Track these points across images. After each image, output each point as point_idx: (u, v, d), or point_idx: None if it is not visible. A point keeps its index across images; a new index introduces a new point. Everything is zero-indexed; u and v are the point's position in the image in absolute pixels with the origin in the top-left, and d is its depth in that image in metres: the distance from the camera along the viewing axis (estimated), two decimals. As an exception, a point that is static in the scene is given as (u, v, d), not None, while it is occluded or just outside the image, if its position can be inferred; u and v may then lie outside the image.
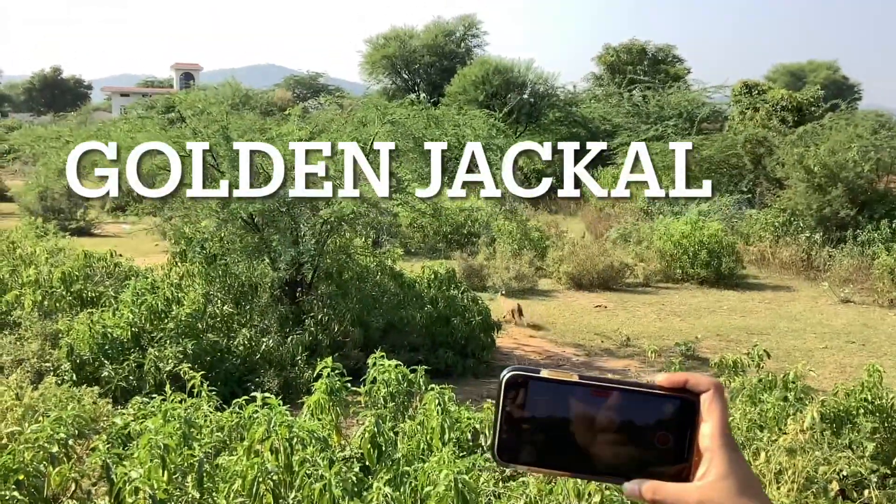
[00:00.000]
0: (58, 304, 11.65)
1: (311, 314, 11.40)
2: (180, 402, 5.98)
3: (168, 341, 10.09)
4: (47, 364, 9.96)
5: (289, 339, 10.88)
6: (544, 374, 1.06)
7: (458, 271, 14.82)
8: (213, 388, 6.97)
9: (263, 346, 10.66)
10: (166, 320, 10.48)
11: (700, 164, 28.34)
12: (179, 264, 12.53)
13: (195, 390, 6.67)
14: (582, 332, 14.76)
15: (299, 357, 10.65)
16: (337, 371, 6.73)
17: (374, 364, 7.01)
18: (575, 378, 1.05)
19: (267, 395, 5.83)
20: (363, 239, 14.47)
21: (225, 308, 11.36)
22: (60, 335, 10.46)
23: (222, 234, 12.06)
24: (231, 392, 9.33)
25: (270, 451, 5.10)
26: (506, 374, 1.06)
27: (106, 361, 9.85)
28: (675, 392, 1.04)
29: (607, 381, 1.05)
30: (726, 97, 40.56)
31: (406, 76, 53.93)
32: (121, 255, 13.90)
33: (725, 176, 28.59)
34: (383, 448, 5.50)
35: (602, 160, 35.94)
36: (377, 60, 53.11)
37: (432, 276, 13.54)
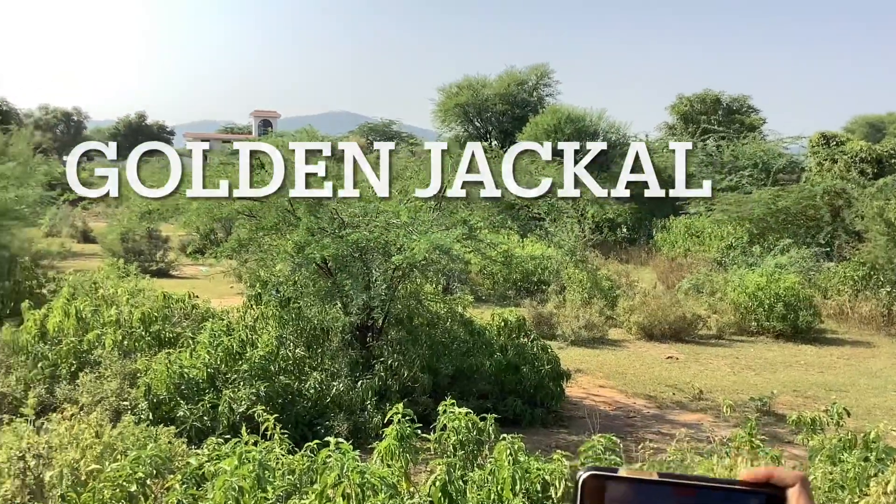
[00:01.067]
0: (137, 344, 11.95)
1: (381, 359, 11.47)
2: (254, 444, 6.07)
3: (242, 383, 10.27)
4: (125, 403, 10.20)
5: (359, 383, 10.96)
6: (622, 472, 1.02)
7: (527, 319, 14.76)
8: (284, 430, 7.05)
9: (334, 390, 10.75)
10: (241, 362, 10.66)
11: (776, 215, 27.83)
12: (254, 307, 12.78)
13: (269, 433, 6.76)
14: (653, 383, 14.52)
15: (369, 402, 10.71)
16: (407, 417, 6.75)
17: (445, 411, 7.01)
18: (655, 476, 1.03)
19: (340, 440, 5.88)
20: (434, 285, 14.55)
21: (297, 351, 11.52)
22: (139, 374, 10.73)
23: (296, 278, 12.27)
24: (301, 435, 9.43)
25: (342, 496, 5.14)
26: (582, 475, 1.03)
27: (182, 401, 10.06)
28: (758, 487, 1.01)
29: (688, 479, 1.03)
30: (803, 148, 39.86)
31: (478, 124, 54.36)
32: (197, 297, 14.22)
33: (802, 228, 27.99)
34: (454, 497, 5.49)
35: (674, 210, 35.64)
36: (450, 108, 53.67)
37: (502, 324, 13.53)
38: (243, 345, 11.01)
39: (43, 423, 7.00)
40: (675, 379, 14.84)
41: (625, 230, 37.57)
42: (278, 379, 10.68)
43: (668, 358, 16.73)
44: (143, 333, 12.19)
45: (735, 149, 39.58)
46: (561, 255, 22.54)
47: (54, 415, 6.58)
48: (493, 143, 50.18)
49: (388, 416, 6.83)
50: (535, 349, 12.74)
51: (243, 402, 9.85)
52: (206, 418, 9.87)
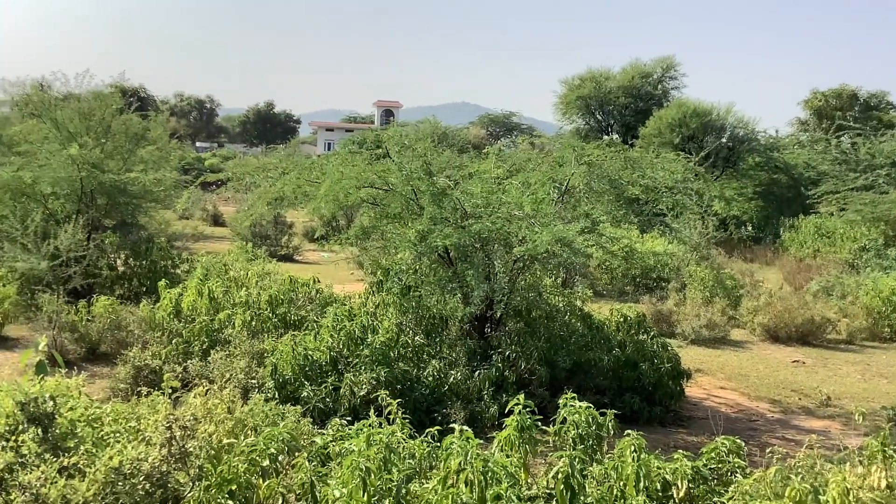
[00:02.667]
0: (264, 325, 12.39)
1: (499, 350, 11.52)
2: (378, 426, 6.22)
3: (363, 367, 10.50)
4: (253, 381, 10.59)
5: (476, 373, 11.05)
6: None
7: (646, 316, 14.53)
8: (404, 416, 7.19)
9: (451, 379, 10.87)
10: (362, 347, 10.91)
11: (914, 217, 26.48)
12: (375, 294, 13.04)
13: (391, 417, 6.91)
14: (777, 387, 14.07)
15: (486, 392, 10.78)
16: (527, 409, 6.77)
17: (565, 404, 6.99)
18: None
19: (465, 427, 5.95)
20: (553, 278, 14.50)
21: (416, 339, 11.69)
22: (266, 355, 11.13)
23: (417, 267, 12.44)
24: (418, 420, 9.57)
25: (465, 483, 5.21)
26: None
27: (306, 382, 10.38)
28: None
29: None
30: (947, 146, 37.71)
31: (600, 117, 53.68)
32: (320, 282, 14.61)
33: (944, 231, 26.54)
34: (576, 490, 5.49)
35: (804, 209, 34.33)
36: (572, 101, 53.18)
37: (621, 319, 13.37)
38: (365, 330, 11.25)
39: (178, 397, 7.37)
40: (800, 384, 14.34)
41: (750, 228, 36.45)
42: (398, 365, 10.88)
43: (794, 362, 16.18)
44: (270, 315, 12.62)
45: (871, 147, 37.79)
46: (684, 251, 22.10)
47: (197, 388, 6.91)
48: (614, 137, 49.52)
49: (509, 406, 6.87)
50: (654, 346, 12.55)
51: (364, 386, 10.09)
52: (328, 400, 10.15)
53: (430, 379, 10.87)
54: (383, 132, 15.31)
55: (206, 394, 6.99)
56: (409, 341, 11.53)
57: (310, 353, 10.73)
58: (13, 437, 4.98)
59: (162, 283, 14.28)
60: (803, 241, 30.85)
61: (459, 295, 11.97)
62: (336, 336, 11.11)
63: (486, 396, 10.74)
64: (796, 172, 39.46)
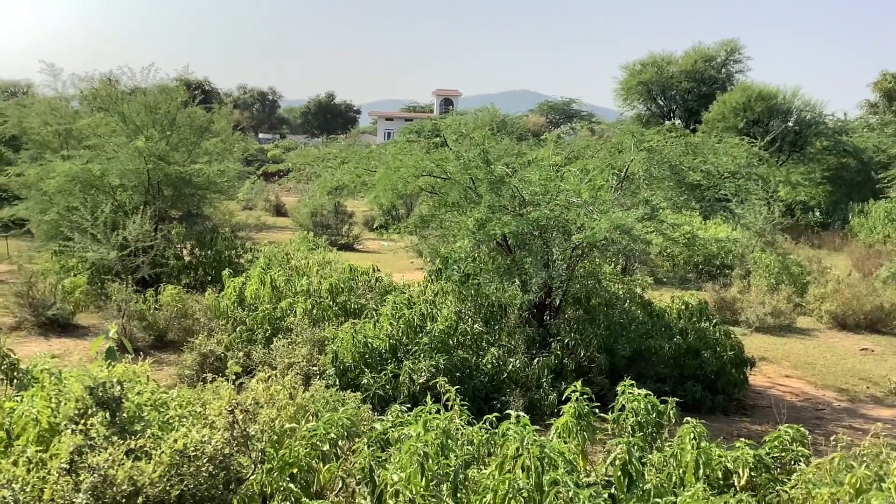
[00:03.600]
0: (325, 313, 12.54)
1: (558, 338, 11.49)
2: (437, 412, 6.27)
3: (422, 355, 10.58)
4: (314, 368, 10.75)
5: (535, 360, 11.04)
6: None
7: (709, 303, 14.31)
8: (462, 402, 7.23)
9: (510, 366, 10.89)
10: (421, 335, 10.98)
11: None
12: (434, 282, 13.09)
13: (449, 403, 6.95)
14: (845, 375, 13.76)
15: (544, 379, 10.77)
16: (585, 396, 6.76)
17: (624, 392, 6.96)
18: None
19: (521, 413, 5.97)
20: (612, 265, 14.39)
21: (475, 327, 11.72)
22: (326, 342, 11.28)
23: (476, 255, 12.46)
24: (477, 408, 9.62)
25: (522, 468, 5.23)
26: None
27: (366, 369, 10.50)
28: None
29: None
30: None
31: (661, 102, 52.89)
32: (380, 271, 14.73)
33: None
34: (633, 477, 5.47)
35: (874, 193, 33.39)
36: (633, 86, 52.50)
37: (682, 307, 13.21)
38: (424, 318, 11.33)
39: (242, 383, 7.52)
40: (869, 372, 14.00)
41: (818, 214, 35.61)
42: (457, 353, 10.93)
43: (863, 350, 15.80)
44: (331, 303, 12.77)
45: (945, 129, 36.57)
46: (747, 237, 21.69)
47: (260, 374, 7.05)
48: (676, 123, 48.75)
49: (566, 393, 6.85)
50: (717, 334, 12.37)
51: (423, 374, 10.17)
52: (387, 387, 10.26)
53: (489, 366, 10.90)
54: (441, 121, 15.33)
55: (268, 380, 7.13)
56: (468, 329, 11.57)
57: (370, 340, 10.85)
58: (83, 421, 5.14)
59: (226, 272, 14.56)
60: (873, 227, 30.05)
61: (518, 283, 11.96)
62: (395, 324, 11.20)
63: (544, 384, 10.73)
64: (866, 156, 38.39)
